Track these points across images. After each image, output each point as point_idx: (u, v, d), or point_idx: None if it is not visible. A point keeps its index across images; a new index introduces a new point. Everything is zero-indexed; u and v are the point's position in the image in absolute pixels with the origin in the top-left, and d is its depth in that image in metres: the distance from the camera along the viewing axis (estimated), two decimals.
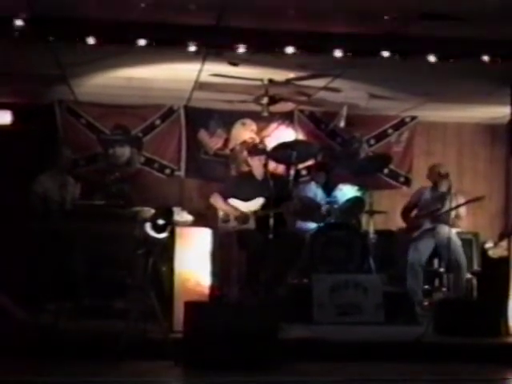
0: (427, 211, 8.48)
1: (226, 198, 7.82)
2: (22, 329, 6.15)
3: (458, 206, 8.23)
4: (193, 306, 5.94)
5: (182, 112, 9.68)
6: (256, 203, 7.67)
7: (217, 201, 7.89)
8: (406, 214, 8.78)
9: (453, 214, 8.20)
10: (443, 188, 8.38)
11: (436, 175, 8.50)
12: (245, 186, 7.86)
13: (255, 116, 9.45)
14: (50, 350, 5.81)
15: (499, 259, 8.28)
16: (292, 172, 8.28)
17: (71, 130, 9.37)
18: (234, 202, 7.78)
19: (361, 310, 7.42)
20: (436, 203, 8.43)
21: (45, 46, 6.61)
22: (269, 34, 6.52)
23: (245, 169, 8.86)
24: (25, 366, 5.58)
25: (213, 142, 9.81)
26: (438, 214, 8.34)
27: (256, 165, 7.94)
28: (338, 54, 6.67)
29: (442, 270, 8.65)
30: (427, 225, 8.42)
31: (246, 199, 7.74)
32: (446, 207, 8.23)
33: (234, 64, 7.29)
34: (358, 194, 8.56)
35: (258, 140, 9.67)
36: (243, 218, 7.66)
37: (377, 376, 5.72)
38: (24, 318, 6.42)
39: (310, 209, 8.29)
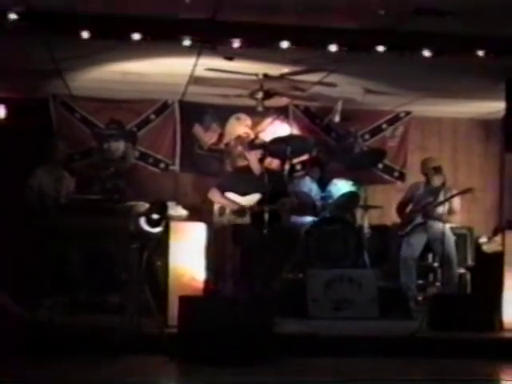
0: (420, 206, 8.48)
1: (223, 191, 7.83)
2: (18, 324, 6.15)
3: (447, 200, 8.13)
4: (187, 301, 5.95)
5: (176, 106, 9.65)
6: (253, 198, 7.67)
7: (215, 195, 7.90)
8: (401, 209, 8.77)
9: (446, 208, 8.18)
10: (436, 182, 8.35)
11: (428, 169, 8.49)
12: (243, 180, 7.86)
13: (250, 111, 9.43)
14: (46, 345, 5.81)
15: (493, 254, 8.29)
16: (287, 167, 8.28)
17: (66, 125, 9.34)
18: (231, 196, 7.78)
19: (355, 304, 7.43)
20: (428, 197, 8.42)
21: (39, 41, 6.58)
22: (264, 28, 6.51)
23: (240, 163, 8.85)
24: (21, 361, 5.56)
25: (207, 136, 9.78)
26: (429, 209, 8.32)
27: (253, 159, 7.95)
28: (333, 48, 6.66)
29: (436, 264, 8.66)
30: (418, 219, 8.41)
31: (243, 193, 7.74)
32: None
33: (230, 58, 7.28)
34: (352, 188, 8.53)
35: (252, 135, 9.67)
36: (240, 211, 7.66)
37: (371, 371, 5.73)
38: (20, 313, 6.41)
39: (305, 204, 8.29)
